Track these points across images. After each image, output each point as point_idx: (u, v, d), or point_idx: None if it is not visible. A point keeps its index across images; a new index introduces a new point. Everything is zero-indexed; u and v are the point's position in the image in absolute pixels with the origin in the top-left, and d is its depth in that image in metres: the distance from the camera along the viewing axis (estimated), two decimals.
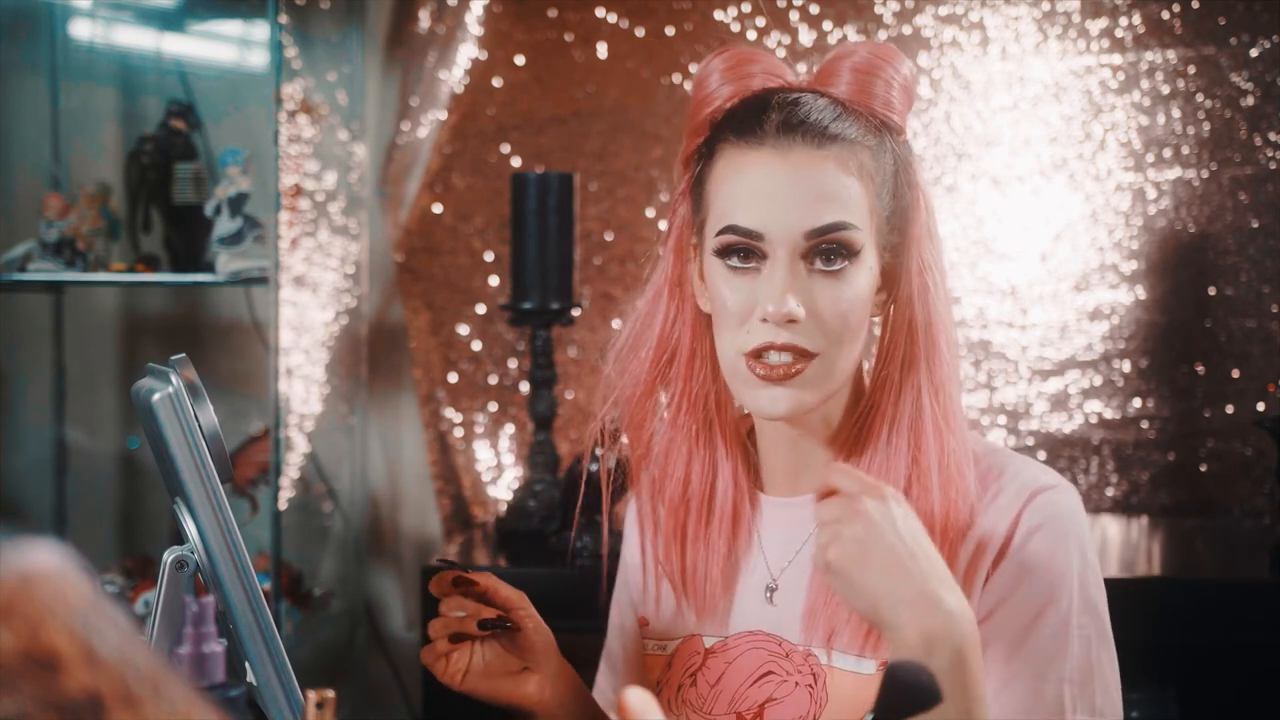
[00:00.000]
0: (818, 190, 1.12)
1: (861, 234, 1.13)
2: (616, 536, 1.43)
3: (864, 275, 1.13)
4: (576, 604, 1.42)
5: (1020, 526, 1.13)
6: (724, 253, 1.14)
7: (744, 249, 1.13)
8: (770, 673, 1.20)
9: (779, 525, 1.23)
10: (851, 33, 2.69)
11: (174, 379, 0.99)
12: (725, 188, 1.15)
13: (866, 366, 1.21)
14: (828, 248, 1.12)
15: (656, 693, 1.26)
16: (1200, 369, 2.64)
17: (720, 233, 1.14)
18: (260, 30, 2.67)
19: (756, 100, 1.16)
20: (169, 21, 2.78)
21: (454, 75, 2.76)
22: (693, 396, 1.22)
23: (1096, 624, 1.14)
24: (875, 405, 1.17)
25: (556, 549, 2.27)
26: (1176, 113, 2.64)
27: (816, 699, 1.17)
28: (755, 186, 1.13)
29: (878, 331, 1.21)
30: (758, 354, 1.13)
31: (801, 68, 1.22)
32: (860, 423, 1.18)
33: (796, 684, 1.18)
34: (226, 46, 2.87)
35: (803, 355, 1.12)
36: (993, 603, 1.13)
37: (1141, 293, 2.65)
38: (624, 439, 1.29)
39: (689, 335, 1.22)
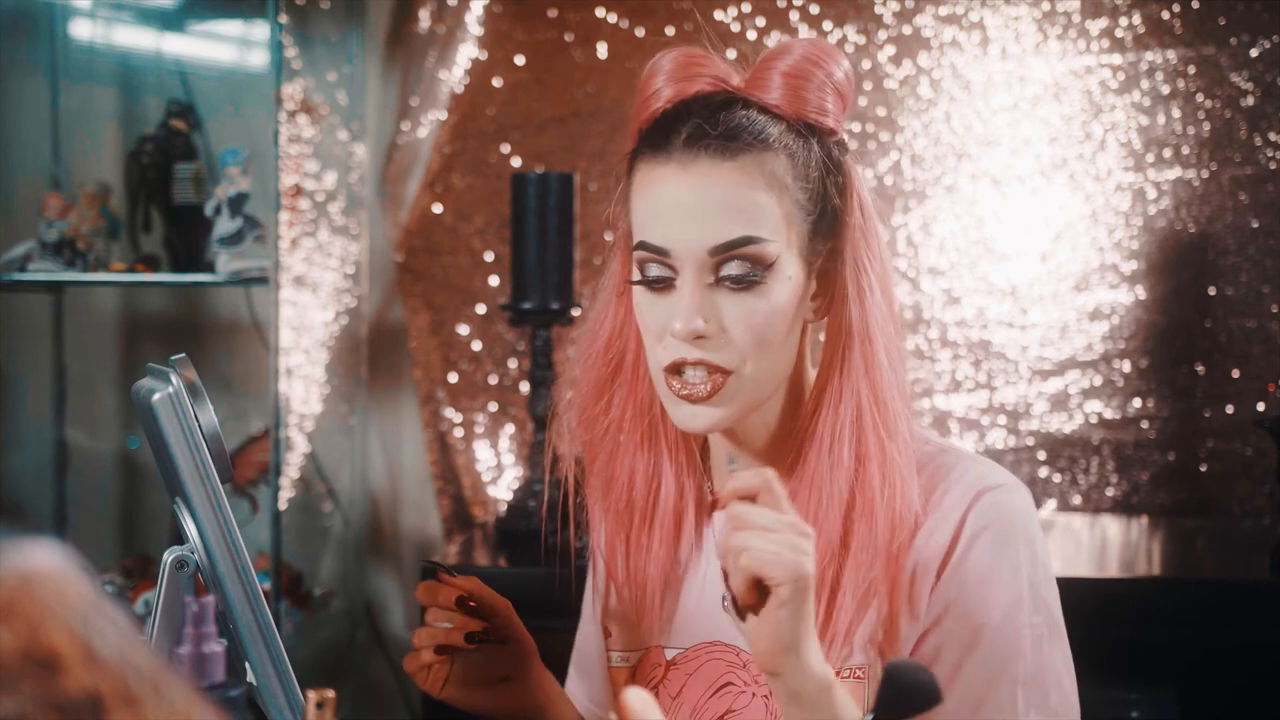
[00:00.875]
0: (721, 204, 1.10)
1: (773, 245, 1.10)
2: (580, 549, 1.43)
3: (780, 286, 1.11)
4: (577, 604, 1.42)
5: (965, 529, 1.12)
6: (641, 268, 1.14)
7: (656, 266, 1.12)
8: (729, 684, 1.19)
9: None
10: (851, 33, 2.69)
11: (174, 379, 0.99)
12: (638, 203, 1.15)
13: (813, 371, 1.20)
14: (736, 264, 1.10)
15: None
16: (1200, 369, 2.64)
17: (634, 249, 1.14)
18: (260, 30, 2.67)
19: (673, 111, 1.14)
20: (169, 21, 2.78)
21: (454, 75, 2.76)
22: (637, 403, 1.21)
23: (1049, 622, 1.13)
24: (817, 411, 1.15)
25: (556, 549, 2.27)
26: (1176, 113, 2.64)
27: (772, 710, 1.16)
28: (661, 203, 1.12)
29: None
30: (676, 369, 1.12)
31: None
32: (800, 431, 1.16)
33: (754, 694, 1.18)
34: (226, 46, 2.87)
35: (716, 370, 1.11)
36: (940, 608, 1.12)
37: (1141, 293, 2.65)
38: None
39: (634, 343, 1.21)
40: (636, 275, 1.14)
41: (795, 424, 1.17)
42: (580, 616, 1.40)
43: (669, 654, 1.23)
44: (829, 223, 1.14)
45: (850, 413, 1.13)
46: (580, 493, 1.30)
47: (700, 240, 1.10)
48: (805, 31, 2.70)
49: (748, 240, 1.09)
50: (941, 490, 1.14)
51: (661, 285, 1.12)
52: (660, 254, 1.12)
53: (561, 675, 1.35)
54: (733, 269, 1.10)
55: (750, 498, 0.99)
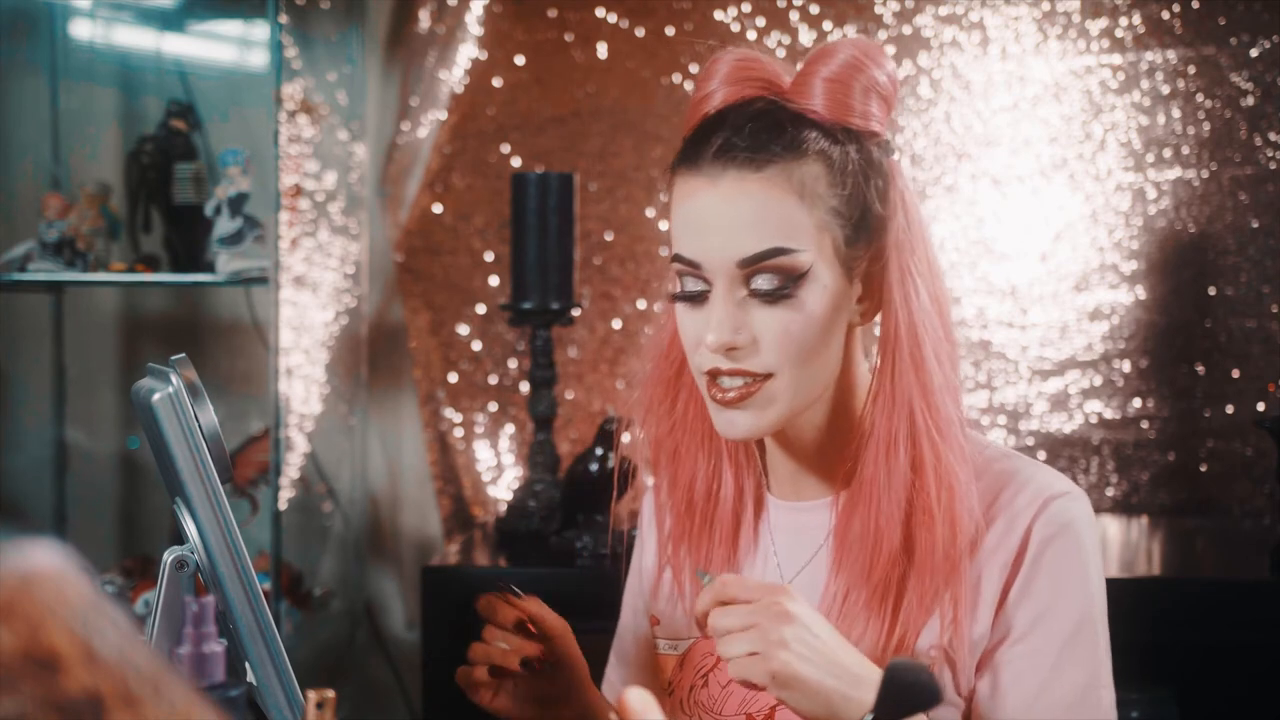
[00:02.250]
0: (749, 217, 1.10)
1: (803, 255, 1.10)
2: (618, 535, 1.44)
3: (815, 296, 1.11)
4: (577, 604, 1.42)
5: (1033, 537, 1.13)
6: (679, 280, 1.15)
7: (691, 278, 1.13)
8: None
9: (789, 529, 1.23)
10: (851, 33, 2.69)
11: (174, 379, 0.99)
12: (675, 216, 1.15)
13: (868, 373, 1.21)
14: (766, 276, 1.10)
15: (668, 692, 1.27)
16: (1200, 369, 2.64)
17: (672, 261, 1.15)
18: (260, 30, 2.67)
19: (707, 123, 1.15)
20: (169, 21, 2.78)
21: (454, 75, 2.76)
22: (699, 402, 1.22)
23: (1106, 629, 1.16)
24: (869, 417, 1.15)
25: (557, 549, 2.27)
26: (1176, 113, 2.64)
27: None
28: (692, 216, 1.13)
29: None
30: (714, 376, 1.13)
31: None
32: (858, 435, 1.17)
33: None
34: (226, 46, 2.87)
35: (754, 377, 1.12)
36: (1028, 619, 1.12)
37: (1141, 293, 2.65)
38: (627, 437, 1.29)
39: None
40: (676, 287, 1.15)
41: (847, 426, 1.18)
42: (621, 606, 1.41)
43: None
44: (870, 227, 1.14)
45: (903, 418, 1.13)
46: (636, 478, 1.32)
47: (729, 253, 1.10)
48: (805, 32, 2.70)
49: (776, 252, 1.10)
50: (1006, 497, 1.15)
51: (697, 298, 1.13)
52: (693, 267, 1.12)
53: None
54: (763, 282, 1.10)
55: (724, 603, 1.03)
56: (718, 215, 1.11)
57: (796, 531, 1.23)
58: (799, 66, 1.17)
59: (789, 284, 1.10)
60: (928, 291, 1.14)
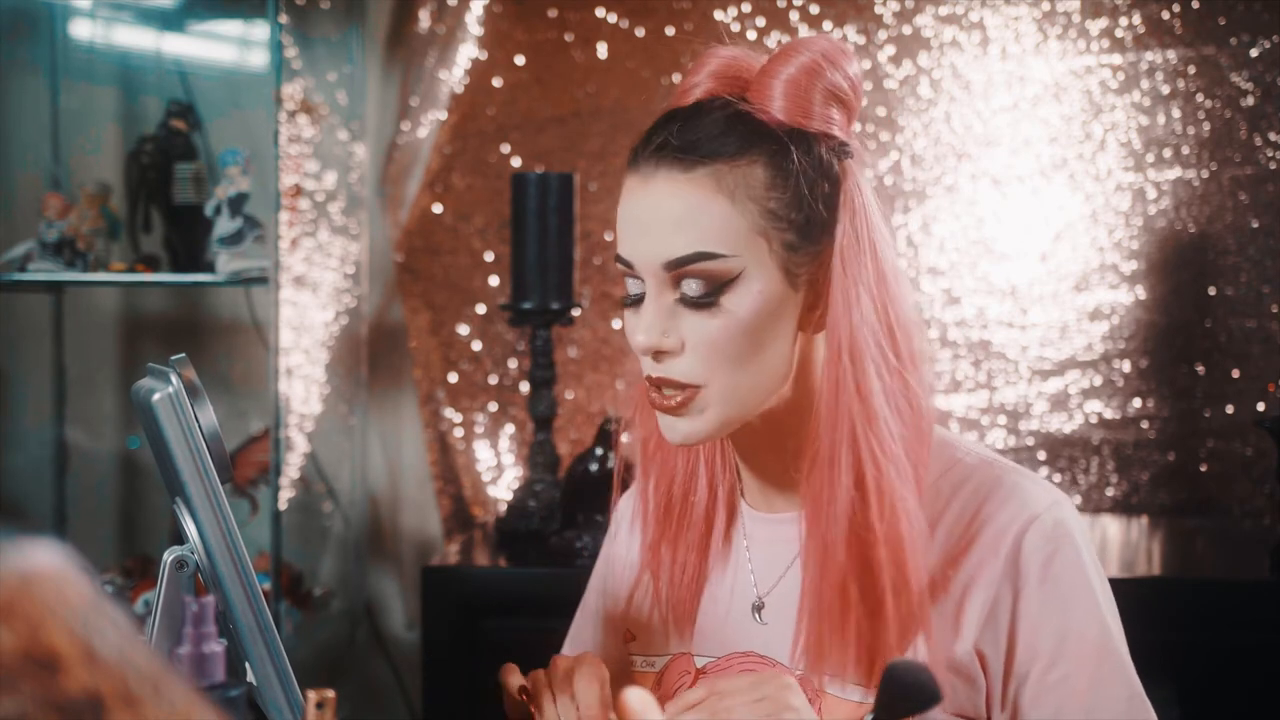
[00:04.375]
0: (675, 219, 1.07)
1: (732, 260, 1.07)
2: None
3: (747, 302, 1.07)
4: (577, 604, 1.42)
5: (1031, 556, 1.10)
6: (624, 282, 1.13)
7: (631, 280, 1.11)
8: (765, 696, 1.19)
9: (763, 540, 1.21)
10: (851, 33, 2.69)
11: (174, 379, 0.99)
12: (618, 213, 1.13)
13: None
14: (693, 281, 1.07)
15: None
16: (1200, 369, 2.64)
17: (614, 260, 1.14)
18: (260, 30, 2.67)
19: (658, 121, 1.13)
20: (169, 21, 2.78)
21: (454, 75, 2.76)
22: None
23: (1121, 629, 1.15)
24: (817, 432, 1.11)
25: (557, 549, 2.27)
26: (1176, 113, 2.64)
27: None
28: (627, 215, 1.11)
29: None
30: (650, 379, 1.12)
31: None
32: (809, 449, 1.13)
33: None
34: (226, 46, 2.87)
35: (682, 387, 1.10)
36: (1052, 645, 1.10)
37: (1141, 293, 2.65)
38: (626, 437, 1.29)
39: None
40: (626, 289, 1.13)
41: (806, 439, 1.14)
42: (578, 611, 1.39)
43: (699, 661, 1.22)
44: (815, 231, 1.10)
45: (845, 433, 1.09)
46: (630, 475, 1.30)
47: (655, 255, 1.08)
48: (805, 32, 2.69)
49: (701, 256, 1.07)
50: (990, 508, 1.12)
51: (637, 300, 1.11)
52: (628, 266, 1.11)
53: None
54: (690, 287, 1.08)
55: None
56: (648, 215, 1.09)
57: (770, 543, 1.20)
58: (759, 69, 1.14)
59: (716, 290, 1.07)
60: (873, 303, 1.09)
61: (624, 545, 1.33)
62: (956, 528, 1.13)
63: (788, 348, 1.12)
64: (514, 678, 1.15)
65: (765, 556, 1.20)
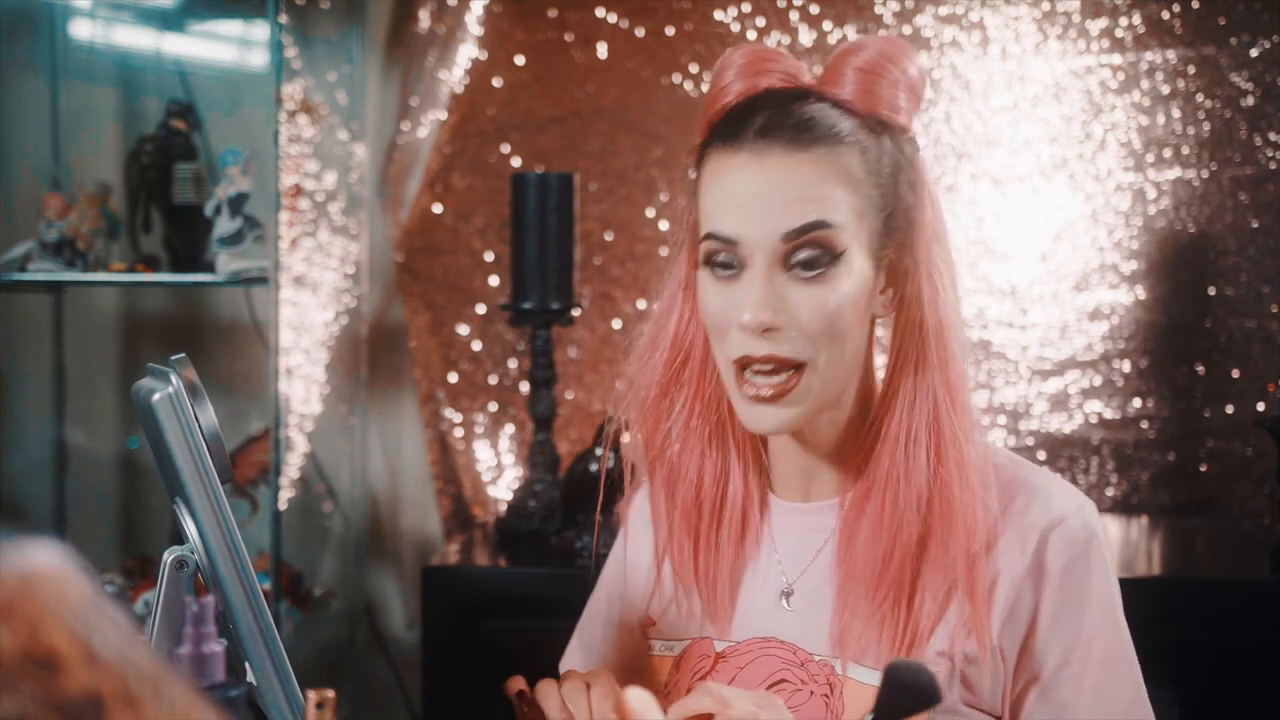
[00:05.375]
0: (794, 193, 1.10)
1: (843, 234, 1.10)
2: (612, 534, 1.43)
3: (849, 278, 1.11)
4: (577, 604, 1.41)
5: (1054, 557, 1.13)
6: (708, 260, 1.13)
7: (725, 256, 1.12)
8: (784, 680, 1.19)
9: (793, 530, 1.22)
10: (851, 33, 2.69)
11: (174, 379, 0.99)
12: (709, 193, 1.14)
13: (880, 372, 1.19)
14: (807, 252, 1.09)
15: (664, 694, 1.25)
16: (1200, 369, 2.64)
17: (703, 239, 1.13)
18: (260, 30, 2.67)
19: (745, 104, 1.14)
20: (169, 21, 2.78)
21: (454, 75, 2.76)
22: (705, 399, 1.21)
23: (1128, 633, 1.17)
24: (888, 412, 1.14)
25: (557, 549, 2.27)
26: (1176, 113, 2.64)
27: (833, 709, 1.16)
28: (732, 192, 1.11)
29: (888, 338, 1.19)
30: (743, 367, 1.12)
31: (818, 69, 1.20)
32: (872, 431, 1.16)
33: (812, 693, 1.17)
34: (226, 46, 2.87)
35: (786, 365, 1.10)
36: (1065, 645, 1.12)
37: (1141, 293, 2.65)
38: (627, 438, 1.28)
39: (701, 338, 1.20)
40: (709, 267, 1.14)
41: (862, 422, 1.17)
42: (593, 592, 1.39)
43: (719, 646, 1.23)
44: (899, 219, 1.13)
45: (926, 412, 1.12)
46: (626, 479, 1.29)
47: (773, 228, 1.09)
48: (805, 32, 2.70)
49: (818, 225, 1.09)
50: (1018, 507, 1.14)
51: (729, 275, 1.12)
52: (730, 244, 1.11)
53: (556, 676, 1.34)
54: (803, 255, 1.09)
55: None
56: (763, 191, 1.10)
57: (799, 533, 1.22)
58: (827, 59, 1.17)
59: (828, 263, 1.10)
60: (953, 288, 1.15)
61: (638, 549, 1.32)
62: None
63: (867, 331, 1.16)
64: (515, 684, 1.15)
65: (793, 545, 1.22)
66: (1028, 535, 1.13)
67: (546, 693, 1.13)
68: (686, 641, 1.25)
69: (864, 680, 1.14)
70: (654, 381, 1.23)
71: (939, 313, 1.13)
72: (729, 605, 1.23)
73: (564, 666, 1.37)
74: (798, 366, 1.11)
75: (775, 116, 1.11)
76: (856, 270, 1.11)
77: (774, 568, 1.22)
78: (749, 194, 1.11)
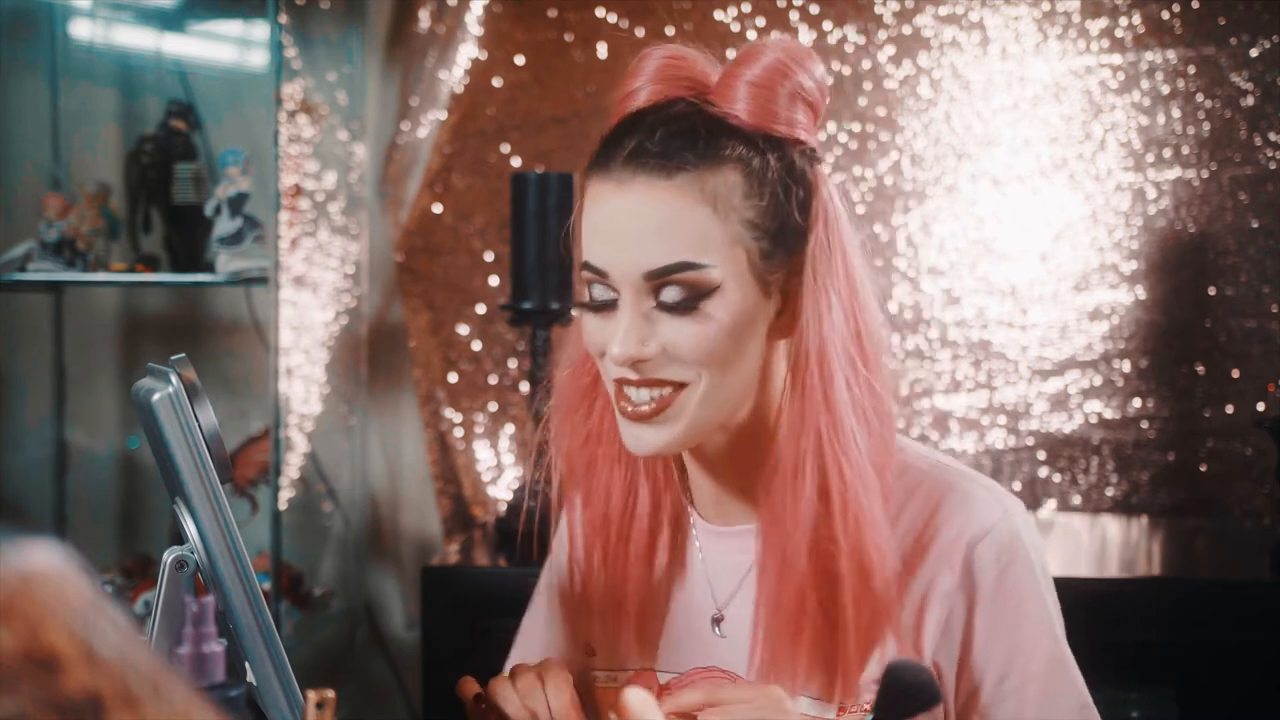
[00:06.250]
0: (657, 227, 1.04)
1: (712, 272, 1.04)
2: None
3: (727, 310, 1.05)
4: None
5: (985, 567, 1.10)
6: (587, 288, 1.08)
7: (599, 287, 1.07)
8: None
9: (718, 553, 1.18)
10: (851, 33, 2.69)
11: (174, 379, 0.99)
12: (584, 221, 1.09)
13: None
14: (674, 291, 1.04)
15: None
16: (1200, 369, 2.64)
17: (581, 268, 1.09)
18: (260, 30, 2.67)
19: (623, 124, 1.08)
20: (169, 21, 2.78)
21: (454, 75, 2.76)
22: (613, 417, 1.15)
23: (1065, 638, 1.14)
24: (775, 441, 1.10)
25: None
26: (1176, 113, 2.64)
27: None
28: (600, 223, 1.07)
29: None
30: (621, 386, 1.07)
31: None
32: (769, 459, 1.10)
33: None
34: (226, 46, 2.87)
35: (666, 384, 1.06)
36: (1004, 657, 1.10)
37: (1141, 293, 2.65)
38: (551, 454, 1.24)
39: None
40: (585, 295, 1.09)
41: (765, 448, 1.11)
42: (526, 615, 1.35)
43: (662, 678, 1.20)
44: (789, 240, 1.07)
45: (811, 442, 1.07)
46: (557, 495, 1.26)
47: (635, 264, 1.04)
48: (805, 32, 2.70)
49: (684, 266, 1.04)
50: (944, 514, 1.11)
51: (605, 306, 1.07)
52: (600, 275, 1.06)
53: None
54: (670, 294, 1.04)
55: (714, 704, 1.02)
56: (626, 223, 1.05)
57: (725, 555, 1.18)
58: (723, 68, 1.10)
59: (697, 298, 1.04)
60: (844, 311, 1.07)
61: (563, 568, 1.29)
62: (909, 535, 1.12)
63: (760, 354, 1.09)
64: (470, 687, 1.14)
65: (721, 569, 1.18)
66: (953, 549, 1.10)
67: (503, 692, 1.11)
68: (629, 672, 1.21)
69: (809, 712, 1.11)
70: (572, 391, 1.20)
71: (822, 337, 1.06)
72: (638, 628, 1.19)
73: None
74: (677, 385, 1.07)
75: (644, 141, 1.05)
76: (736, 300, 1.05)
77: (704, 593, 1.18)
78: (614, 227, 1.06)
